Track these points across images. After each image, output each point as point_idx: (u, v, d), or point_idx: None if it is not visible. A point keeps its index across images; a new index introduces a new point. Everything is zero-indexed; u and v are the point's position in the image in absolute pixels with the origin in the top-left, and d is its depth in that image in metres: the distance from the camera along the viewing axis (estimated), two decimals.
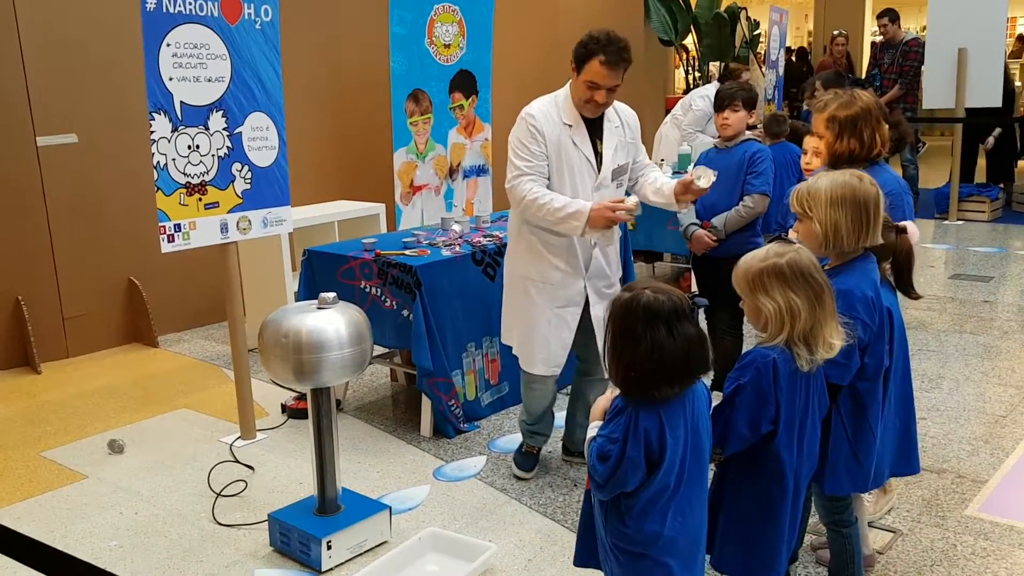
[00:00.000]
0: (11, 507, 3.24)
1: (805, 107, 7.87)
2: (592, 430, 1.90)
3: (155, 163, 3.33)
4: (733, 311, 3.55)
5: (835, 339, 2.00)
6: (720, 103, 3.77)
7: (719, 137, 3.91)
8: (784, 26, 8.98)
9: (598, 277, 3.18)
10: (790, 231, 2.53)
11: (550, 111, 3.07)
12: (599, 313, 3.13)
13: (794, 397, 1.99)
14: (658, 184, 3.20)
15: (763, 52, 9.54)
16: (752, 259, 2.03)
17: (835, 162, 2.68)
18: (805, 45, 14.95)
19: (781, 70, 8.94)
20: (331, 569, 2.76)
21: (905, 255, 2.42)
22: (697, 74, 9.89)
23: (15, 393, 4.50)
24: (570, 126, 3.06)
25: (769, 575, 2.06)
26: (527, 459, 3.41)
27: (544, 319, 3.14)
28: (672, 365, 1.79)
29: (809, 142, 3.43)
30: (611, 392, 1.94)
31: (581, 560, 2.09)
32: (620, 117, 3.18)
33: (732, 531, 2.08)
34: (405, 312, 3.68)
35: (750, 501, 2.06)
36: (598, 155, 3.10)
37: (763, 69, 8.77)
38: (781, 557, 2.05)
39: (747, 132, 3.85)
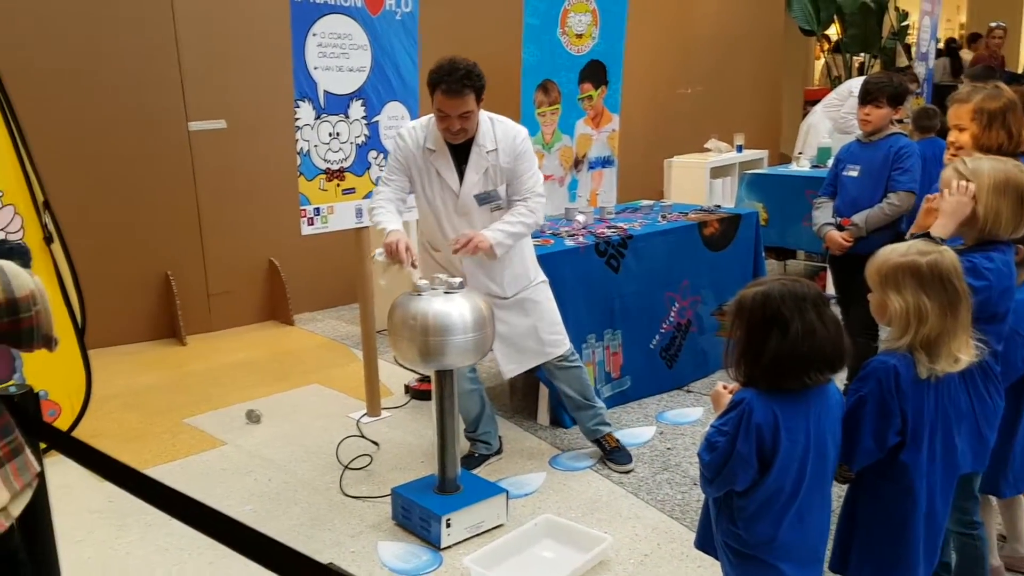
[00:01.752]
0: (156, 468, 3.48)
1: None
2: (709, 424, 1.88)
3: (298, 149, 3.49)
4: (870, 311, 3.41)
5: (963, 354, 1.88)
6: (864, 96, 3.59)
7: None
8: (936, 17, 8.46)
9: (481, 291, 3.12)
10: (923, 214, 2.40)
11: (418, 135, 3.11)
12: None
13: (922, 405, 1.88)
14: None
15: (913, 44, 9.04)
16: (892, 252, 1.92)
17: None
18: (956, 37, 14.06)
19: (931, 63, 8.44)
20: (449, 547, 2.83)
21: None
22: (840, 66, 9.47)
23: (163, 363, 4.82)
24: (433, 151, 3.08)
25: None
26: (467, 460, 3.38)
27: None
28: (823, 349, 1.74)
29: (955, 139, 3.24)
30: (732, 385, 1.91)
31: (701, 543, 2.05)
32: (497, 141, 3.09)
33: (865, 548, 1.99)
34: None
35: (880, 516, 1.96)
36: (463, 180, 3.09)
37: (912, 61, 8.31)
38: (917, 574, 1.95)
39: (894, 126, 3.66)
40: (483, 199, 3.12)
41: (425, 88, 3.96)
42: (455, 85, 2.89)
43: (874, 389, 1.86)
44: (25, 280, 1.52)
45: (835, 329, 1.77)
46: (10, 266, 1.52)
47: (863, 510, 1.99)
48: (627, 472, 3.36)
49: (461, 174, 3.09)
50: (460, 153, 3.09)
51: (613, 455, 3.41)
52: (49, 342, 1.59)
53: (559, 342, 3.33)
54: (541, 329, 3.28)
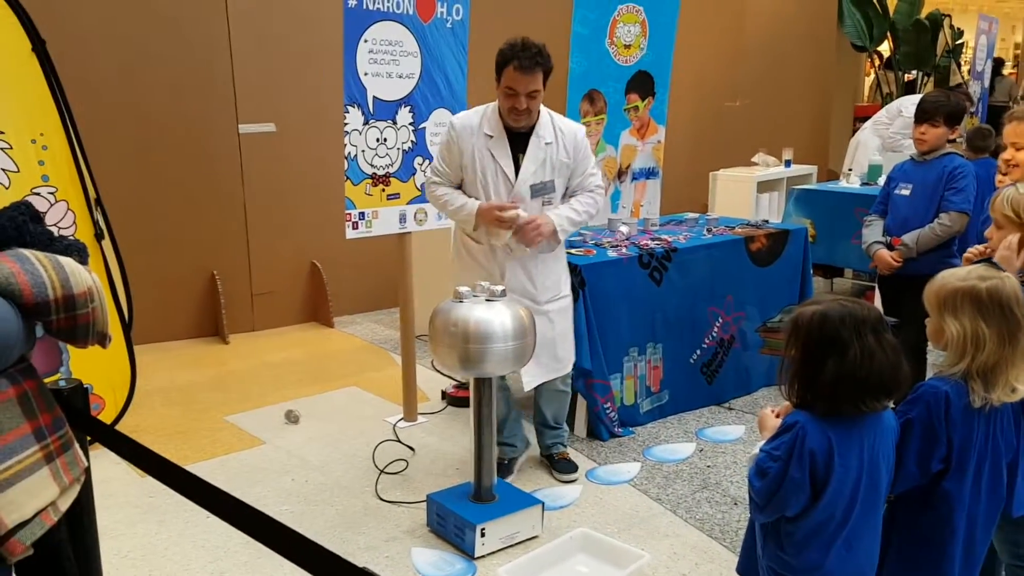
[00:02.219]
0: (196, 465, 3.51)
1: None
2: (757, 447, 1.83)
3: (346, 154, 3.51)
4: (919, 333, 3.31)
5: (1021, 384, 1.82)
6: (921, 115, 3.52)
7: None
8: (993, 36, 8.29)
9: (518, 291, 3.11)
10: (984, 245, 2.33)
11: (473, 121, 3.10)
12: None
13: (971, 434, 1.83)
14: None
15: (968, 63, 8.86)
16: (951, 276, 1.88)
17: None
18: (1011, 58, 13.74)
19: (987, 82, 8.26)
20: (483, 556, 2.81)
21: None
22: (891, 82, 9.31)
23: (205, 360, 4.88)
24: (491, 137, 3.06)
25: None
26: (499, 469, 3.27)
27: None
28: (882, 375, 1.70)
29: (1011, 156, 3.17)
30: (779, 408, 1.87)
31: (743, 568, 2.01)
32: (557, 134, 3.11)
33: (899, 573, 1.94)
34: None
35: (917, 542, 1.91)
36: (518, 168, 3.07)
37: (967, 80, 8.14)
38: None
39: (949, 145, 3.58)
40: (538, 190, 3.12)
41: (474, 95, 3.98)
42: (528, 61, 2.93)
43: (922, 413, 1.82)
44: (83, 277, 1.55)
45: (894, 355, 1.72)
46: (69, 263, 1.54)
47: (900, 535, 1.94)
48: (572, 480, 3.35)
49: (516, 163, 3.10)
50: (516, 142, 3.10)
51: (559, 464, 3.41)
52: (103, 339, 1.61)
53: (571, 360, 3.35)
54: (559, 345, 3.27)
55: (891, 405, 1.84)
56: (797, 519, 1.76)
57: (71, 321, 1.53)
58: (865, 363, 1.69)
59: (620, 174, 5.39)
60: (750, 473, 1.79)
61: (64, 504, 1.61)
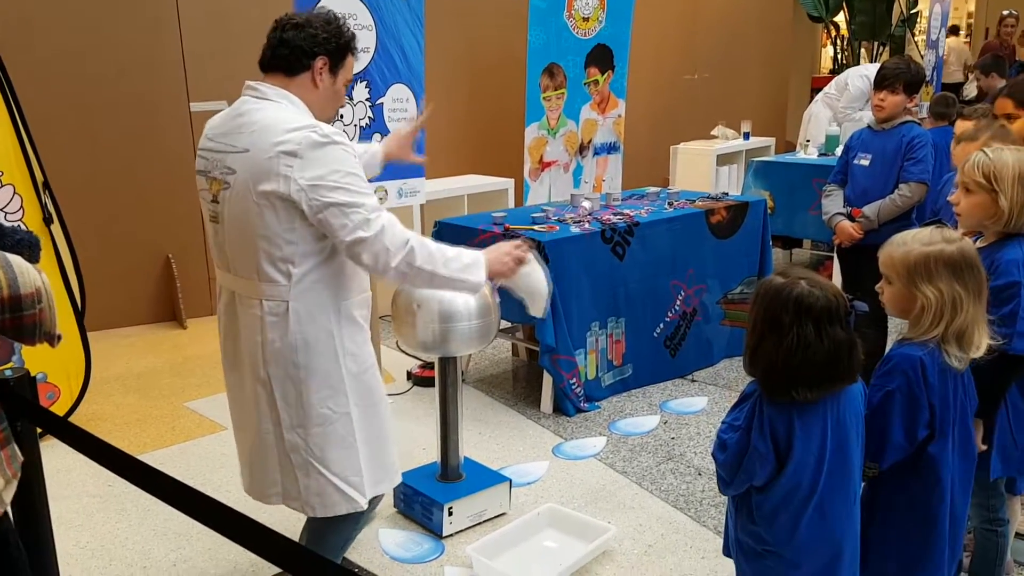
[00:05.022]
0: (155, 452, 3.45)
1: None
2: (722, 423, 1.83)
3: None
4: (879, 303, 3.36)
5: (983, 339, 1.83)
6: (880, 81, 3.53)
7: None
8: (947, 4, 8.36)
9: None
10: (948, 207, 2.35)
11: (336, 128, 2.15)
12: None
13: (947, 396, 1.83)
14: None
15: (923, 31, 8.94)
16: (913, 241, 1.83)
17: None
18: (964, 27, 13.92)
19: (942, 51, 8.35)
20: (452, 535, 2.81)
21: None
22: (846, 52, 9.38)
23: (163, 346, 4.78)
24: None
25: None
26: None
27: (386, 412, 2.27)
28: (814, 367, 1.66)
29: (961, 127, 3.20)
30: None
31: (728, 550, 2.00)
32: None
33: (888, 545, 1.93)
34: None
35: (906, 513, 1.89)
36: None
37: (921, 51, 8.22)
38: (943, 573, 1.89)
39: (904, 114, 3.61)
40: None
41: (427, 70, 3.90)
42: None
43: (902, 383, 1.80)
44: (32, 277, 1.50)
45: (834, 348, 1.67)
46: (18, 261, 1.49)
47: (886, 506, 1.92)
48: None
49: None
50: None
51: None
52: (52, 339, 1.57)
53: (334, 502, 2.14)
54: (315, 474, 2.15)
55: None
56: (764, 490, 1.75)
57: (16, 322, 1.48)
58: (798, 352, 1.65)
59: (582, 149, 5.37)
60: (714, 447, 1.78)
61: (8, 496, 1.57)
